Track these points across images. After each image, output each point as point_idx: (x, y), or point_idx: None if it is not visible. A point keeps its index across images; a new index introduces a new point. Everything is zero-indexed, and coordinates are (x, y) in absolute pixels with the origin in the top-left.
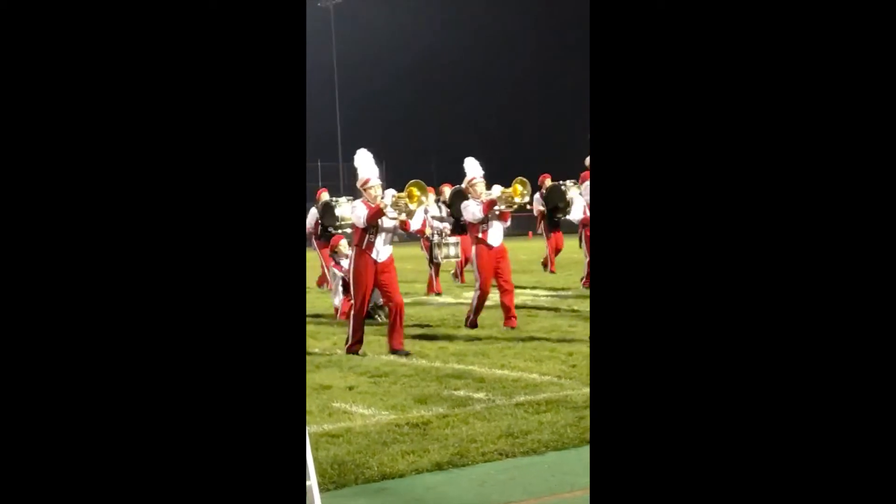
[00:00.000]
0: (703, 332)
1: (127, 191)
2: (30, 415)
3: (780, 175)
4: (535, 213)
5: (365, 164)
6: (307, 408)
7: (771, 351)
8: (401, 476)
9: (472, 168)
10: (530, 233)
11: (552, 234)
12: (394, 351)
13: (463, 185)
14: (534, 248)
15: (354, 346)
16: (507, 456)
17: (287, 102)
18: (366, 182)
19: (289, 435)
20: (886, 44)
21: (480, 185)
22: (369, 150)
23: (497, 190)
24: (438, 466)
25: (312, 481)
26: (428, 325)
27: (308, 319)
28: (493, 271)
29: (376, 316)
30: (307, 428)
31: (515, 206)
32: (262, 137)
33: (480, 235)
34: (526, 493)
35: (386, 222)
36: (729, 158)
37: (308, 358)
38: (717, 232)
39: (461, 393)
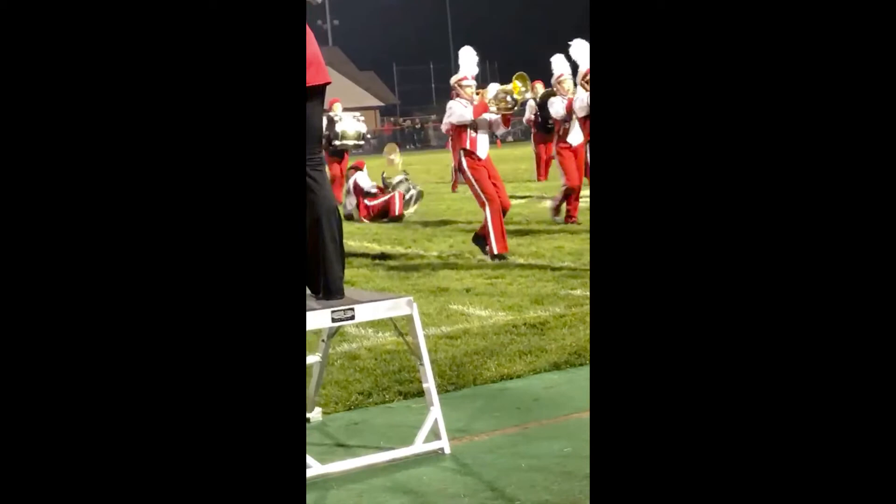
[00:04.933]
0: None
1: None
2: (12, 394)
3: (781, 179)
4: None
5: (466, 61)
6: (425, 310)
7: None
8: (518, 377)
9: (560, 65)
10: None
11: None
12: (496, 256)
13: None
14: None
15: (502, 248)
16: None
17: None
18: (462, 80)
19: (287, 368)
20: (887, 44)
21: (568, 81)
22: (478, 48)
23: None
24: (556, 366)
25: (430, 384)
26: (542, 224)
27: (424, 224)
28: (582, 168)
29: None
30: (424, 330)
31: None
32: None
33: (561, 133)
34: None
35: (487, 118)
36: (730, 158)
37: (424, 261)
38: (717, 227)
39: (578, 292)
